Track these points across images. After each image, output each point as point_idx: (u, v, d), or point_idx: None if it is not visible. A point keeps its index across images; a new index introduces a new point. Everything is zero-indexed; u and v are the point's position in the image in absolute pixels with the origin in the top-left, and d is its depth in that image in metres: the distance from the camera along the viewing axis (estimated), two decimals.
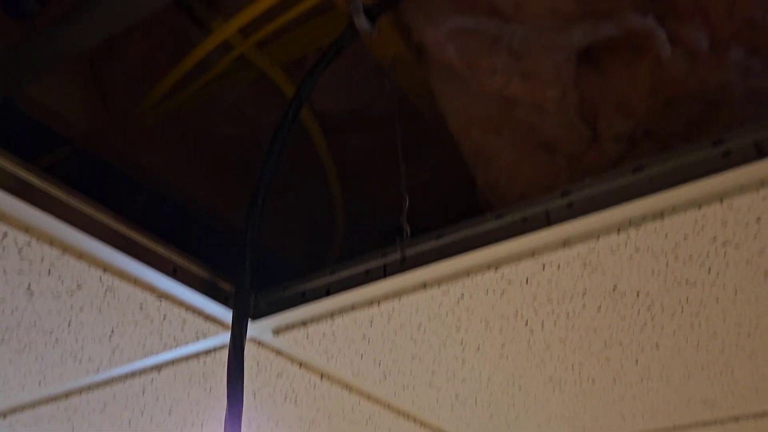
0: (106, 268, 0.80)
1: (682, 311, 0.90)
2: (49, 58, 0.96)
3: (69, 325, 0.90)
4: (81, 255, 0.77)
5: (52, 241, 0.74)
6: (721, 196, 0.70)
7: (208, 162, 1.46)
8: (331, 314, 0.91)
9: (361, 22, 0.97)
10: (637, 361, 1.05)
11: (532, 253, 0.78)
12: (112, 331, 0.93)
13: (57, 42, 0.94)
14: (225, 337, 0.97)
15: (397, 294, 0.86)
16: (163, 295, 0.87)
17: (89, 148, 1.25)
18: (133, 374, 1.07)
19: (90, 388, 1.11)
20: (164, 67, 1.19)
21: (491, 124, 1.07)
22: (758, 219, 0.73)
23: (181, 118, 1.31)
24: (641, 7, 0.97)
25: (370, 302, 0.88)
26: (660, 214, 0.73)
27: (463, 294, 0.85)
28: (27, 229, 0.72)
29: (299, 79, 1.22)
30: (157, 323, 0.92)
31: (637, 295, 0.86)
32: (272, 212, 1.39)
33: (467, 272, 0.82)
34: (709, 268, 0.81)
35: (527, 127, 1.05)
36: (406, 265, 0.83)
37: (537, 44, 0.95)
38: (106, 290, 0.83)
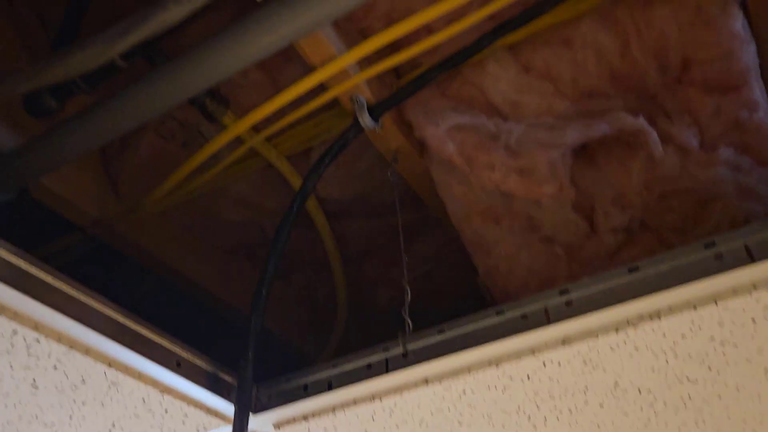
0: (111, 363, 0.81)
1: (685, 407, 0.90)
2: (65, 153, 1.00)
3: (70, 418, 0.90)
4: (87, 350, 0.78)
5: (60, 338, 0.76)
6: (715, 298, 0.72)
7: (212, 247, 1.48)
8: (333, 408, 0.91)
9: (365, 119, 1.02)
10: None
11: (533, 350, 0.79)
12: (113, 424, 0.93)
13: (74, 138, 0.98)
14: (226, 430, 0.96)
15: (400, 389, 0.87)
16: (166, 390, 0.87)
17: (99, 234, 1.28)
18: None
19: None
20: (175, 158, 1.24)
21: (491, 214, 1.10)
22: (753, 320, 0.74)
23: (188, 205, 1.34)
24: (633, 107, 1.02)
25: (372, 397, 0.88)
26: (657, 314, 0.74)
27: (465, 390, 0.86)
28: (36, 326, 0.74)
29: (303, 167, 1.26)
30: (158, 417, 0.92)
31: (639, 392, 0.86)
32: (274, 295, 1.41)
33: (469, 368, 0.82)
34: (710, 366, 0.81)
35: (526, 218, 1.08)
36: (408, 360, 0.84)
37: (533, 142, 0.99)
38: (110, 385, 0.84)
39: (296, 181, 1.24)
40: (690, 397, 0.87)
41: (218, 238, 1.47)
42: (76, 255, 1.35)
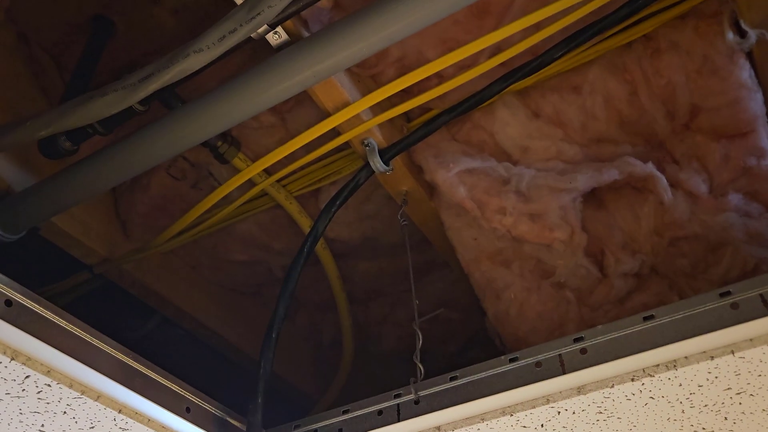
0: (121, 409, 0.80)
1: None
2: (77, 195, 1.00)
3: None
4: (98, 396, 0.78)
5: (71, 383, 0.75)
6: (732, 348, 0.72)
7: (218, 286, 1.48)
8: None
9: (376, 162, 1.03)
10: None
11: (547, 399, 0.78)
12: None
13: (86, 180, 0.98)
14: None
15: None
16: None
17: (106, 273, 1.28)
18: None
19: None
20: (184, 198, 1.24)
21: (500, 258, 1.11)
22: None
23: (194, 244, 1.34)
24: (641, 153, 1.03)
25: None
26: (673, 364, 0.74)
27: None
28: (49, 371, 0.73)
29: (311, 206, 1.27)
30: None
31: None
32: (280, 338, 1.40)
33: (482, 417, 0.82)
34: (726, 416, 0.81)
35: (536, 262, 1.08)
36: (420, 407, 0.83)
37: (544, 187, 1.00)
38: (119, 431, 0.83)
39: (304, 222, 1.24)
40: None
41: (224, 278, 1.47)
42: (83, 293, 1.34)
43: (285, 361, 1.55)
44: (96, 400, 0.77)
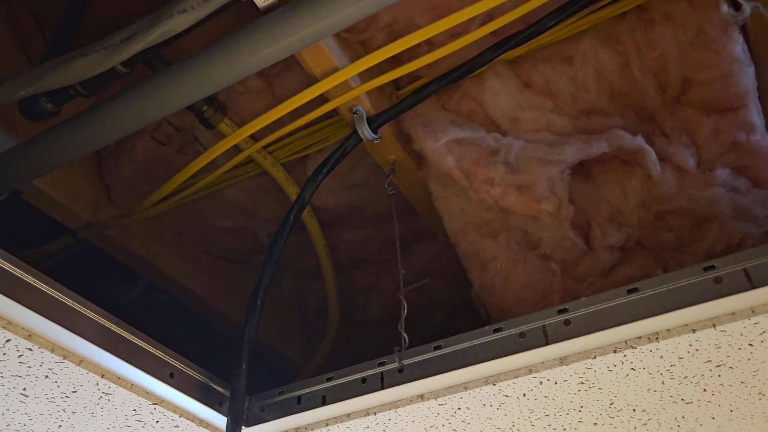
0: (104, 373, 0.80)
1: (678, 427, 0.90)
2: (58, 157, 0.99)
3: (59, 427, 0.89)
4: (81, 361, 0.77)
5: (53, 348, 0.74)
6: (713, 322, 0.72)
7: (204, 252, 1.47)
8: (326, 422, 0.90)
9: (364, 130, 1.01)
10: None
11: (530, 369, 0.79)
12: None
13: (67, 142, 0.96)
14: None
15: (394, 404, 0.86)
16: (158, 400, 0.86)
17: (90, 238, 1.26)
18: None
19: None
20: (169, 163, 1.23)
21: (487, 229, 1.10)
22: (750, 344, 0.74)
23: (180, 210, 1.33)
24: (631, 126, 1.02)
25: (366, 412, 0.88)
26: (655, 336, 0.75)
27: (460, 406, 0.85)
28: (30, 335, 0.72)
29: (298, 173, 1.26)
30: (149, 427, 0.90)
31: (634, 412, 0.86)
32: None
33: (465, 386, 0.82)
34: (705, 388, 0.82)
35: (522, 233, 1.08)
36: (404, 375, 0.83)
37: (533, 158, 0.99)
38: (101, 395, 0.83)
39: (291, 189, 1.23)
40: (684, 418, 0.88)
41: (210, 244, 1.46)
42: (66, 258, 1.33)
43: (271, 328, 1.55)
44: (78, 365, 0.77)
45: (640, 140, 0.98)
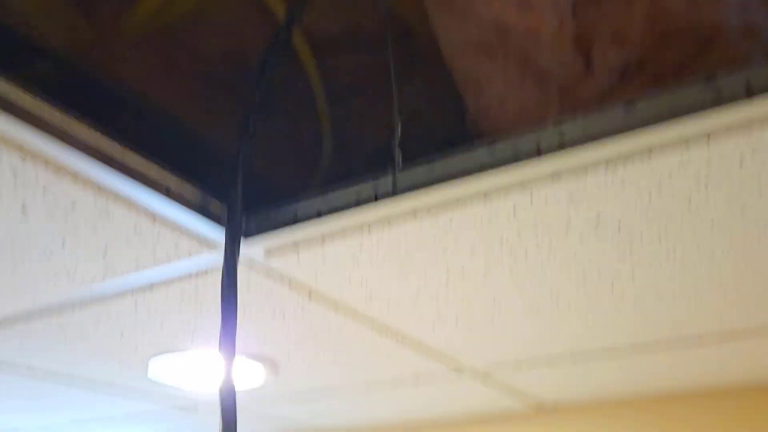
0: (100, 189, 0.80)
1: (659, 242, 0.93)
2: None
3: (63, 244, 0.91)
4: (75, 176, 0.77)
5: (46, 162, 0.74)
6: (708, 134, 0.72)
7: (194, 78, 1.43)
8: (323, 238, 0.93)
9: None
10: (612, 288, 1.10)
11: (522, 183, 0.80)
12: (106, 251, 0.94)
13: None
14: (216, 258, 0.99)
15: (388, 219, 0.88)
16: (156, 216, 0.88)
17: (71, 61, 1.22)
18: (125, 292, 1.09)
19: (83, 303, 1.13)
20: None
21: (484, 49, 1.07)
22: (741, 159, 0.75)
23: (166, 35, 1.27)
24: None
25: (360, 227, 0.90)
26: (648, 151, 0.75)
27: (452, 222, 0.88)
28: (21, 148, 0.72)
29: None
30: (150, 244, 0.93)
31: (619, 227, 0.89)
32: (258, 135, 1.39)
33: (457, 200, 0.84)
34: (690, 204, 0.84)
35: (521, 54, 1.05)
36: (397, 191, 0.85)
37: None
38: (100, 211, 0.84)
39: (282, 10, 1.17)
40: (666, 233, 0.91)
41: (201, 70, 1.41)
42: (49, 84, 1.29)
43: (265, 158, 1.56)
44: (73, 181, 0.78)
45: None
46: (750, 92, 0.68)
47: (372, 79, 1.47)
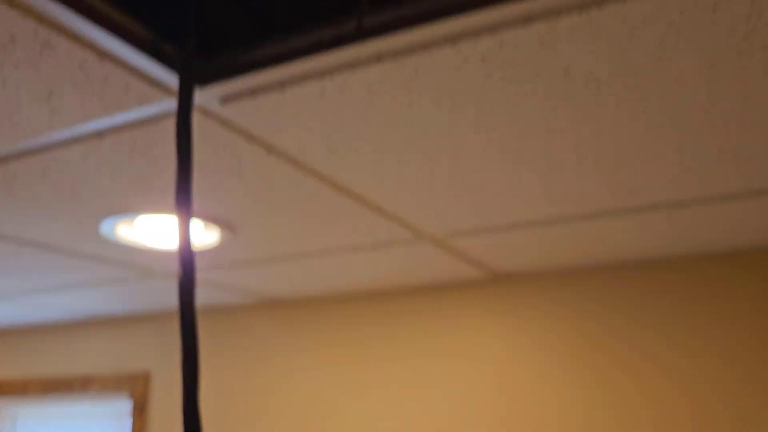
0: (41, 19, 0.74)
1: (625, 98, 0.93)
2: None
3: (4, 83, 0.85)
4: (12, 3, 0.71)
5: None
6: None
7: None
8: (281, 84, 0.89)
9: None
10: (575, 148, 1.11)
11: (493, 28, 0.77)
12: (51, 93, 0.89)
13: None
14: (169, 104, 0.94)
15: (351, 65, 0.85)
16: (104, 54, 0.82)
17: None
18: (73, 140, 1.04)
19: (29, 153, 1.08)
20: None
21: None
22: (715, 7, 0.73)
23: None
24: None
25: (322, 73, 0.87)
26: None
27: (417, 69, 0.85)
28: None
29: None
30: (98, 86, 0.88)
31: (587, 80, 0.88)
32: None
33: (424, 45, 0.80)
34: (660, 56, 0.82)
35: None
36: (361, 34, 0.80)
37: None
38: (42, 45, 0.78)
39: None
40: (633, 87, 0.90)
41: None
42: None
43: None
44: (10, 7, 0.71)
45: None
46: None
47: None
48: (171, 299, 2.50)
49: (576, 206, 1.43)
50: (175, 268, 1.98)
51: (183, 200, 0.81)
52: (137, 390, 2.74)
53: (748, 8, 0.74)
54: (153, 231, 1.57)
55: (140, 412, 2.71)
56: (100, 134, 1.03)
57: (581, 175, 1.24)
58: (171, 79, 0.89)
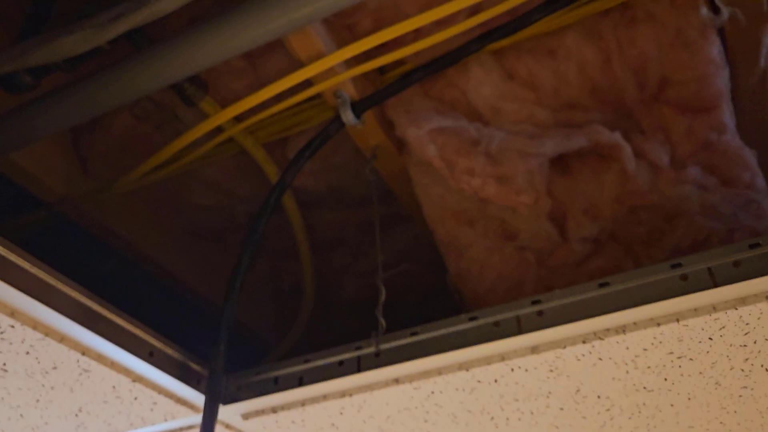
0: (84, 351, 0.80)
1: (639, 413, 0.94)
2: (36, 131, 0.98)
3: (37, 402, 0.89)
4: (62, 338, 0.78)
5: (35, 325, 0.75)
6: (677, 317, 0.76)
7: (179, 229, 1.47)
8: (302, 402, 0.93)
9: (348, 116, 1.02)
10: None
11: (503, 357, 0.82)
12: (80, 409, 0.92)
13: (46, 117, 0.96)
14: (194, 419, 0.97)
15: (370, 387, 0.89)
16: (137, 378, 0.87)
17: (64, 212, 1.25)
18: None
19: None
20: (148, 139, 1.22)
21: (465, 216, 1.13)
22: (710, 337, 0.78)
23: (156, 186, 1.32)
24: (609, 121, 1.05)
25: (342, 393, 0.90)
26: (622, 329, 0.78)
27: (433, 390, 0.88)
28: (12, 313, 0.73)
29: (278, 154, 1.26)
30: (127, 403, 0.92)
31: (598, 398, 0.90)
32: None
33: (439, 371, 0.85)
34: (666, 377, 0.86)
35: (499, 223, 1.11)
36: (380, 360, 0.86)
37: (513, 150, 1.01)
38: (81, 372, 0.83)
39: (270, 169, 1.23)
40: (645, 404, 0.92)
41: (186, 222, 1.45)
42: (39, 231, 1.32)
43: (245, 305, 1.56)
44: (60, 342, 0.78)
45: (617, 136, 1.01)
46: (713, 280, 0.73)
47: (353, 233, 1.52)
48: None
49: None
50: None
51: None
52: None
53: (742, 338, 0.79)
54: None
55: None
56: None
57: None
58: (197, 397, 0.93)
